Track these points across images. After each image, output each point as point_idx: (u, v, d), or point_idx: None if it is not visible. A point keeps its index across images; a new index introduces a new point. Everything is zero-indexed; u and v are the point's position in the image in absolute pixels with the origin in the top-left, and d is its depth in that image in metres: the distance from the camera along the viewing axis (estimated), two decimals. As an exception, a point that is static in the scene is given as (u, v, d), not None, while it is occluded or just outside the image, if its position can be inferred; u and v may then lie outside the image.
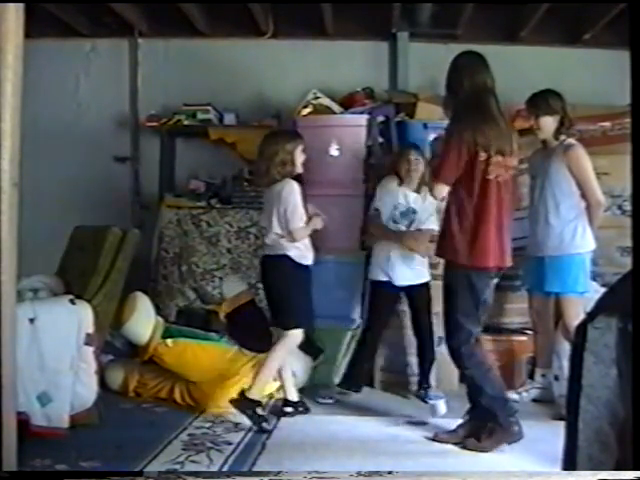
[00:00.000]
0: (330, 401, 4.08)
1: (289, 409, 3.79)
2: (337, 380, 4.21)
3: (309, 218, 3.70)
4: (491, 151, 3.20)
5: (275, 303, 3.76)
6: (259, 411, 3.57)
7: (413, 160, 4.10)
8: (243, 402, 3.56)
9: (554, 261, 3.80)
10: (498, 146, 3.22)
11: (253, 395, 3.58)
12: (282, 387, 3.86)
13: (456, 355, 3.36)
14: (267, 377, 3.66)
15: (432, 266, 4.29)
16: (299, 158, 3.70)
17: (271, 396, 4.06)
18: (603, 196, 3.82)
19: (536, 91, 3.88)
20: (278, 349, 3.64)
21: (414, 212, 4.12)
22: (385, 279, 4.11)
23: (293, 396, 3.83)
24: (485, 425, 3.32)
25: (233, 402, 3.58)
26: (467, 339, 3.29)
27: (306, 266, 3.70)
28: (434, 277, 4.30)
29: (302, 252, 3.67)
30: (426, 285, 4.17)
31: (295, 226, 3.60)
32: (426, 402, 4.02)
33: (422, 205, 4.13)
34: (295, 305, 3.67)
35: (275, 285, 3.73)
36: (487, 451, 3.26)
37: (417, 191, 4.14)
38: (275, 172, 3.64)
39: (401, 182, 4.14)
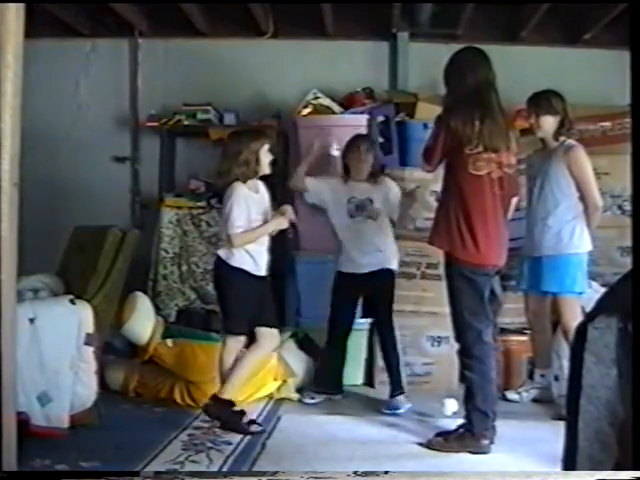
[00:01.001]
0: (313, 401, 4.04)
1: (210, 402, 3.59)
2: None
3: (264, 221, 3.56)
4: (480, 146, 3.19)
5: (218, 303, 3.76)
6: (244, 419, 3.53)
7: (363, 151, 4.07)
8: (228, 419, 3.53)
9: (551, 261, 3.80)
10: (490, 142, 3.20)
11: (226, 397, 3.54)
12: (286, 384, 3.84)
13: (466, 355, 3.30)
14: (236, 383, 3.56)
15: (432, 266, 4.30)
16: (265, 158, 3.57)
17: (271, 396, 4.07)
18: (601, 199, 3.82)
19: (538, 90, 3.89)
20: (220, 357, 3.60)
21: (371, 202, 4.08)
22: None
23: (224, 394, 3.54)
24: (457, 428, 3.33)
25: (211, 416, 3.56)
26: (478, 338, 3.25)
27: (241, 270, 3.52)
28: (435, 277, 4.32)
29: (233, 254, 3.50)
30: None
31: (229, 231, 3.47)
32: (385, 413, 3.88)
33: (378, 195, 4.10)
34: (222, 308, 3.64)
35: (214, 285, 3.74)
36: (450, 452, 3.25)
37: (368, 181, 4.11)
38: (238, 172, 3.51)
39: (349, 176, 4.11)
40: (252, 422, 3.56)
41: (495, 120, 3.24)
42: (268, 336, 3.61)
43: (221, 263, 3.55)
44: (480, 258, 3.25)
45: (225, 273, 3.55)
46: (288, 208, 3.65)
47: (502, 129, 3.27)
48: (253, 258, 3.54)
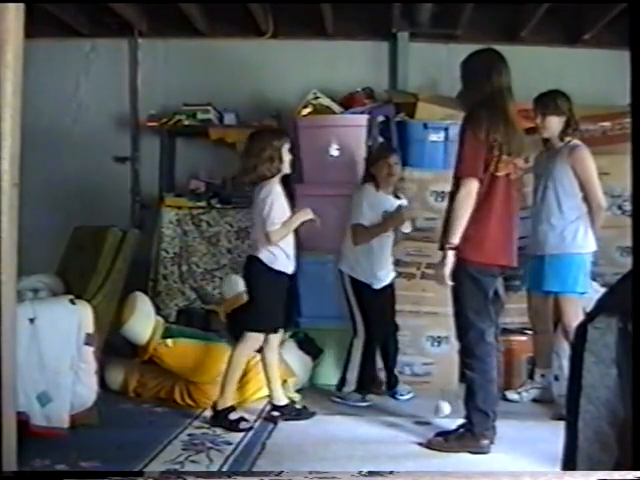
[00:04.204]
0: (365, 403, 4.06)
1: (276, 413, 3.73)
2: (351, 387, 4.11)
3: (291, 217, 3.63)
4: (503, 149, 3.18)
5: (250, 303, 3.76)
6: (232, 416, 3.57)
7: (393, 164, 4.08)
8: (218, 417, 3.58)
9: (554, 260, 3.80)
10: (510, 145, 3.20)
11: (222, 405, 3.59)
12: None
13: (468, 354, 3.30)
14: (231, 383, 3.62)
15: (432, 266, 4.29)
16: (286, 156, 3.64)
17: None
18: (605, 199, 3.82)
19: (544, 91, 3.89)
20: (236, 352, 3.63)
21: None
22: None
23: (280, 400, 3.75)
24: (457, 428, 3.33)
25: (212, 421, 3.60)
26: (480, 338, 3.24)
27: (280, 272, 3.62)
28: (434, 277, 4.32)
29: (275, 257, 3.58)
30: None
31: (269, 229, 3.53)
32: (398, 399, 4.15)
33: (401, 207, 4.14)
34: (258, 308, 3.64)
35: (249, 286, 3.74)
36: (450, 452, 3.25)
37: (393, 194, 4.14)
38: (264, 169, 3.57)
39: (378, 187, 4.08)
40: (240, 419, 3.59)
41: (514, 124, 3.25)
42: (277, 336, 3.72)
43: (261, 265, 3.59)
44: (492, 258, 3.26)
45: (266, 275, 3.60)
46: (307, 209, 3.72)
47: (521, 133, 3.30)
48: (289, 258, 3.64)
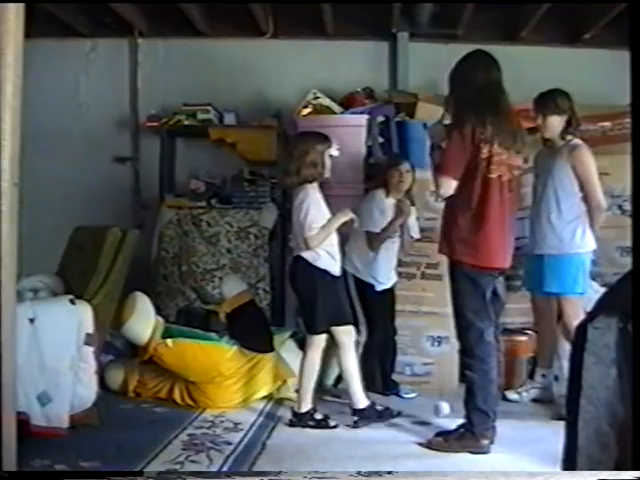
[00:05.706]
0: (414, 395, 4.16)
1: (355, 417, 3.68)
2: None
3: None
4: (494, 146, 3.15)
5: (300, 305, 3.77)
6: (317, 416, 3.61)
7: (404, 172, 4.14)
8: (300, 419, 3.60)
9: (553, 260, 3.79)
10: (501, 141, 3.17)
11: (305, 408, 3.61)
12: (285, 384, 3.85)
13: (468, 354, 3.29)
14: (308, 388, 3.63)
15: (432, 266, 4.31)
16: (328, 161, 3.63)
17: (270, 396, 4.06)
18: (604, 200, 3.81)
19: (544, 90, 3.87)
20: (305, 358, 3.63)
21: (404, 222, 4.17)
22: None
23: (359, 403, 3.69)
24: (457, 428, 3.33)
25: (292, 424, 3.61)
26: (480, 338, 3.24)
27: (324, 271, 3.59)
28: (435, 277, 4.33)
29: (319, 255, 3.56)
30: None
31: (306, 234, 3.52)
32: (403, 397, 4.19)
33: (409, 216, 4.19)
34: (309, 308, 3.63)
35: (295, 286, 3.75)
36: (450, 452, 3.25)
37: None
38: (307, 173, 3.57)
39: (388, 193, 4.16)
40: (325, 418, 3.64)
41: (506, 118, 3.23)
42: (348, 333, 3.67)
43: (305, 264, 3.57)
44: (488, 261, 3.25)
45: (311, 274, 3.58)
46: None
47: (515, 128, 3.28)
48: (334, 259, 3.62)
